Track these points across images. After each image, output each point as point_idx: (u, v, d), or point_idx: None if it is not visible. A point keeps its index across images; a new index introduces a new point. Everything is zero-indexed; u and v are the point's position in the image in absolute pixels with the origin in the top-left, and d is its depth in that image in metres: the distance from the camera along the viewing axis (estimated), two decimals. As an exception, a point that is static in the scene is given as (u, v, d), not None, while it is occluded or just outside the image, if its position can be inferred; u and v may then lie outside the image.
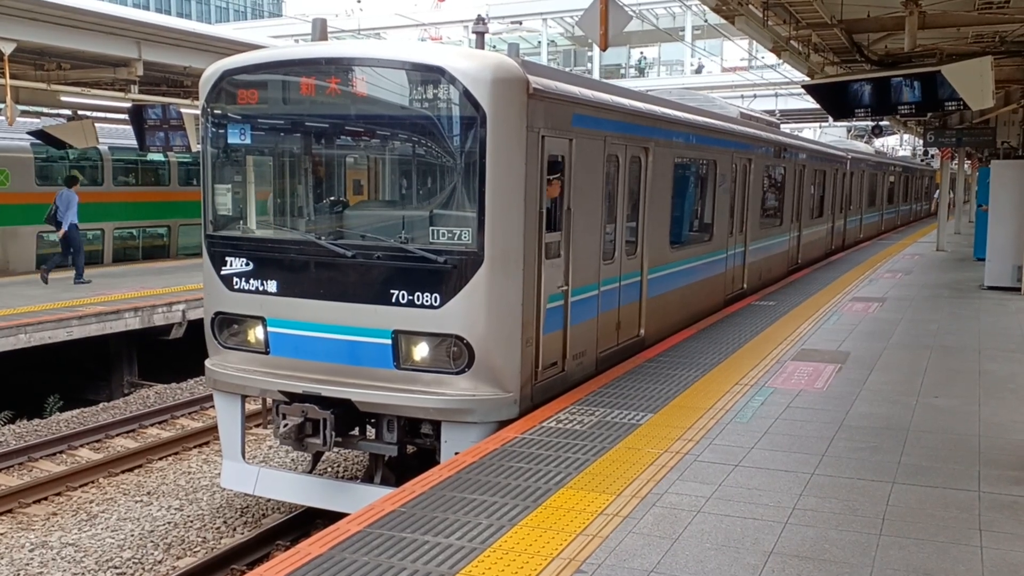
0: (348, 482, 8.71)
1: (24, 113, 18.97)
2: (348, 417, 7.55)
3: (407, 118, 7.57)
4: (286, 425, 7.41)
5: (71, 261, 16.94)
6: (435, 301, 7.13)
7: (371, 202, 8.73)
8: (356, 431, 7.90)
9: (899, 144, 60.32)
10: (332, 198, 8.58)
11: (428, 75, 7.21)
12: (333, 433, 7.36)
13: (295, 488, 8.12)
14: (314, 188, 8.34)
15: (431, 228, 7.26)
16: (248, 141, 7.98)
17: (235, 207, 8.39)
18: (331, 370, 7.51)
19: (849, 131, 45.08)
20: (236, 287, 7.85)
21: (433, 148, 7.53)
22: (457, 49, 8.05)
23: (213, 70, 7.96)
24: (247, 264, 7.81)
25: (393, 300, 7.24)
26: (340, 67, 7.54)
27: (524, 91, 7.18)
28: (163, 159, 23.04)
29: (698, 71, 56.93)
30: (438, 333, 7.20)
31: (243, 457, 8.26)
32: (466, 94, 6.98)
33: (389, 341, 7.30)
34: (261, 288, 7.74)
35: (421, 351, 7.28)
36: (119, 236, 22.40)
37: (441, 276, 7.12)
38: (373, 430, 7.90)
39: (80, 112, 19.41)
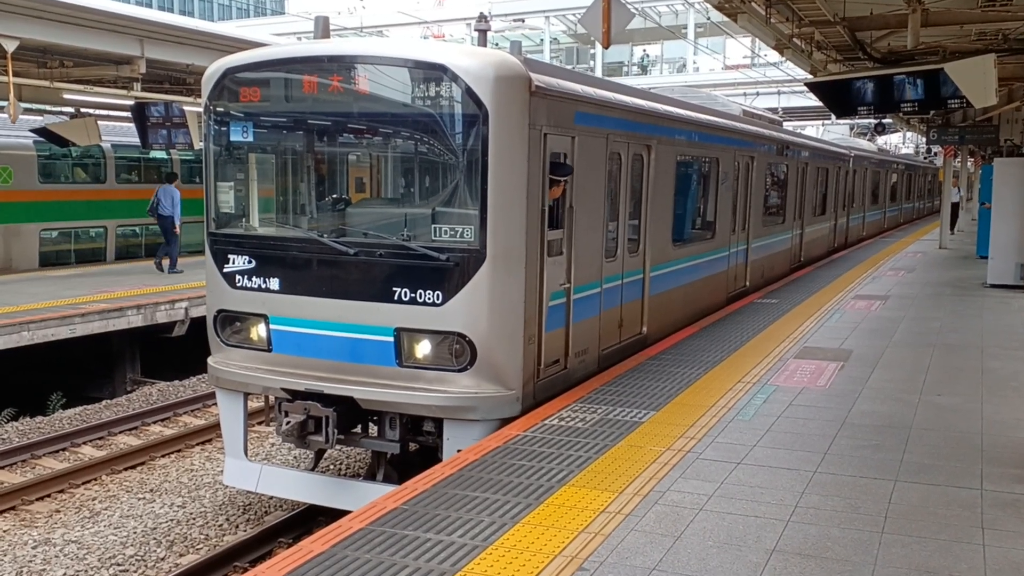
0: (350, 480, 8.73)
1: (27, 111, 19.04)
2: (350, 415, 7.56)
3: (409, 116, 7.57)
4: (288, 423, 7.42)
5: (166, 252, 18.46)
6: (437, 299, 7.13)
7: (373, 200, 8.73)
8: (358, 429, 7.91)
9: (902, 142, 60.26)
10: (334, 196, 8.59)
11: (430, 73, 7.21)
12: (335, 431, 7.37)
13: (297, 486, 8.12)
14: (316, 186, 8.34)
15: (433, 226, 7.26)
16: (250, 139, 7.98)
17: (237, 205, 8.39)
18: (333, 368, 7.51)
19: (852, 129, 45.02)
20: (239, 285, 7.86)
21: (435, 146, 7.53)
22: (459, 47, 8.04)
23: (215, 68, 7.96)
24: (249, 262, 7.81)
25: (395, 298, 7.24)
26: (342, 65, 7.54)
27: (526, 89, 7.17)
28: (166, 157, 23.06)
29: (681, 70, 57.12)
30: (440, 331, 7.20)
31: (245, 455, 8.26)
32: (468, 92, 6.98)
33: (391, 339, 7.30)
34: (263, 286, 7.75)
35: (423, 349, 7.29)
36: (122, 234, 22.41)
37: (443, 274, 7.12)
38: (375, 428, 7.90)
39: (83, 110, 19.43)
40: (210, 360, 8.24)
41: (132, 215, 22.30)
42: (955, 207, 28.91)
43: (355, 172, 8.84)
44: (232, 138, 8.00)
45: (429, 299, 7.15)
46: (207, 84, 7.97)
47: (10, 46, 13.51)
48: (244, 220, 8.25)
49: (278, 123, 8.27)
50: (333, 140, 8.48)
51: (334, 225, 8.04)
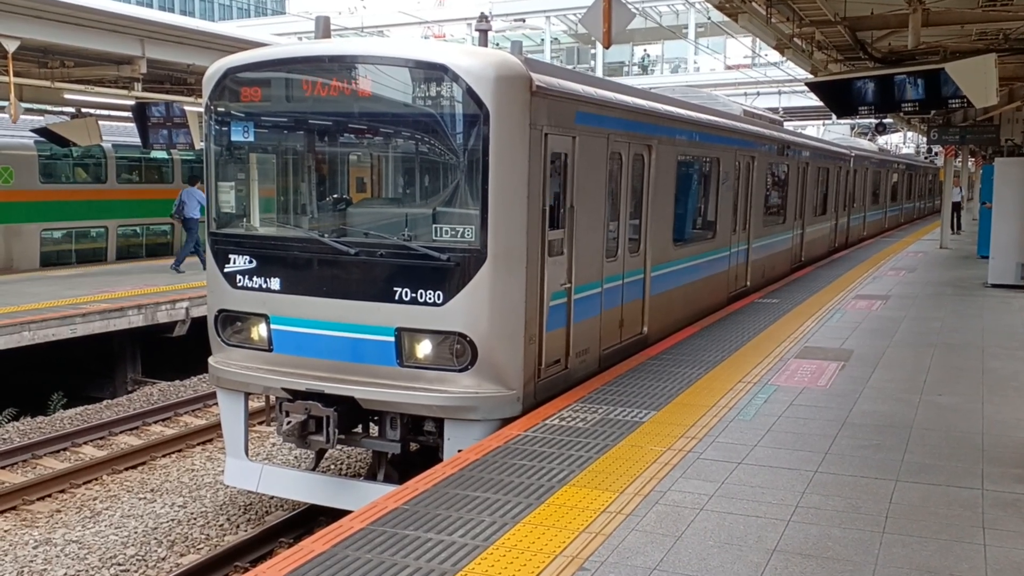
0: (351, 479, 8.73)
1: (28, 111, 19.06)
2: (351, 414, 7.56)
3: (410, 116, 7.57)
4: (289, 423, 7.42)
5: (194, 250, 18.51)
6: (438, 299, 7.14)
7: (374, 200, 8.74)
8: (359, 428, 7.92)
9: (902, 141, 60.25)
10: (335, 196, 8.59)
11: (431, 73, 7.21)
12: (336, 430, 7.37)
13: (298, 485, 8.13)
14: (317, 186, 8.35)
15: (434, 226, 7.26)
16: (251, 139, 7.99)
17: (239, 205, 8.40)
18: (334, 367, 7.51)
19: (852, 128, 45.01)
20: (239, 285, 7.86)
21: (436, 146, 7.53)
22: (460, 47, 8.05)
23: (216, 68, 7.97)
24: (250, 262, 7.82)
25: (396, 297, 7.24)
26: (343, 65, 7.54)
27: (527, 89, 7.18)
28: (167, 157, 23.07)
29: (677, 69, 57.23)
30: (441, 331, 7.20)
31: (246, 454, 8.27)
32: (469, 92, 6.98)
33: (392, 339, 7.30)
34: (264, 286, 7.75)
35: (424, 348, 7.29)
36: (123, 234, 22.42)
37: (444, 274, 7.12)
38: (376, 427, 7.90)
39: (84, 110, 19.44)
40: (211, 360, 8.25)
41: (133, 215, 22.34)
42: (956, 206, 28.91)
43: (356, 172, 8.85)
44: (233, 138, 8.01)
45: (430, 299, 7.16)
46: (208, 84, 7.97)
47: (11, 46, 13.51)
48: (245, 220, 8.26)
49: (279, 123, 8.27)
50: (334, 140, 8.49)
51: (335, 225, 8.04)
